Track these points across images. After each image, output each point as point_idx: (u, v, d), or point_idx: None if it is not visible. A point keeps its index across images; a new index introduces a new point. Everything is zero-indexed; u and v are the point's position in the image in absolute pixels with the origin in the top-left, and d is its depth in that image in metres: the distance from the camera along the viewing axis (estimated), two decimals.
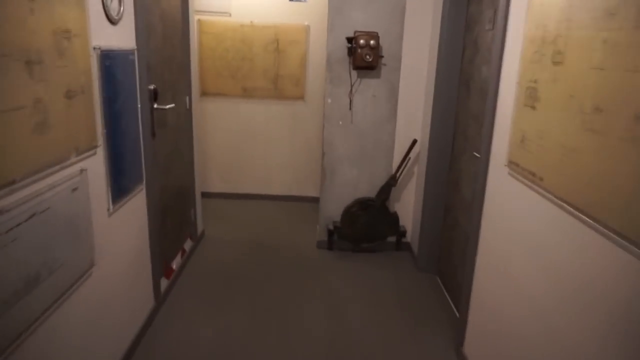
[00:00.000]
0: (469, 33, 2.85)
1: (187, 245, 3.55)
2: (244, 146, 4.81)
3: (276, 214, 4.56)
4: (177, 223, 3.25)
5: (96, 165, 1.94)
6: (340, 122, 3.53)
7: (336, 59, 3.41)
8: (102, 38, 1.94)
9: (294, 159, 4.83)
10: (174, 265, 3.20)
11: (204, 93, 4.63)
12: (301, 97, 4.64)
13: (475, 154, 2.40)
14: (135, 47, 2.27)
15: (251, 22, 4.44)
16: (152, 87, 2.52)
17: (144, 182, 2.49)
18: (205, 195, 4.48)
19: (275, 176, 4.89)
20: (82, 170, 1.79)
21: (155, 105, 2.57)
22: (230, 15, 4.43)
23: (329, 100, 3.49)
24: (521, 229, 1.82)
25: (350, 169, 3.64)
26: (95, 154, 1.91)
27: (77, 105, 1.72)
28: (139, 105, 2.35)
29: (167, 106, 2.68)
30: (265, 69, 4.56)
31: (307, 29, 4.45)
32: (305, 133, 4.75)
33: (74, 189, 1.73)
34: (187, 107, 3.34)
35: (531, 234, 1.73)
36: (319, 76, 4.48)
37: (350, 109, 3.50)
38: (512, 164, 1.86)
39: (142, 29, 2.32)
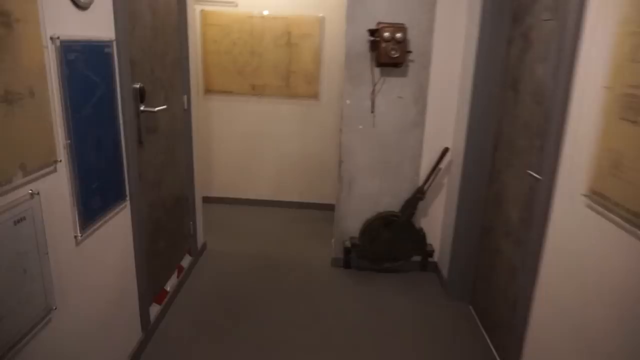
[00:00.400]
0: (517, 25, 2.38)
1: (185, 261, 3.15)
2: (252, 148, 4.40)
3: (286, 223, 4.14)
4: (173, 239, 2.85)
5: (56, 185, 1.54)
6: (361, 127, 3.08)
7: (356, 54, 2.97)
8: (64, 26, 1.53)
9: (307, 163, 4.40)
10: (168, 287, 2.81)
11: (208, 90, 4.22)
12: (315, 96, 4.21)
13: (531, 172, 1.94)
14: (114, 37, 1.86)
15: (260, 13, 4.01)
16: (137, 85, 2.10)
17: (128, 197, 2.09)
18: (208, 200, 4.09)
19: (285, 181, 4.47)
20: (32, 194, 1.39)
21: (142, 108, 2.16)
22: (237, 5, 4.01)
23: (348, 101, 3.05)
24: (610, 284, 1.36)
25: (371, 179, 3.19)
26: (54, 171, 1.52)
27: (23, 112, 1.31)
28: (120, 108, 1.94)
29: (157, 108, 2.26)
30: (276, 65, 4.13)
31: (321, 21, 4.00)
32: (319, 135, 4.31)
33: (19, 220, 1.33)
34: (185, 107, 2.93)
35: (627, 291, 1.28)
36: (335, 73, 4.04)
37: (372, 111, 3.05)
38: (596, 195, 1.40)
39: (123, 17, 1.91)
